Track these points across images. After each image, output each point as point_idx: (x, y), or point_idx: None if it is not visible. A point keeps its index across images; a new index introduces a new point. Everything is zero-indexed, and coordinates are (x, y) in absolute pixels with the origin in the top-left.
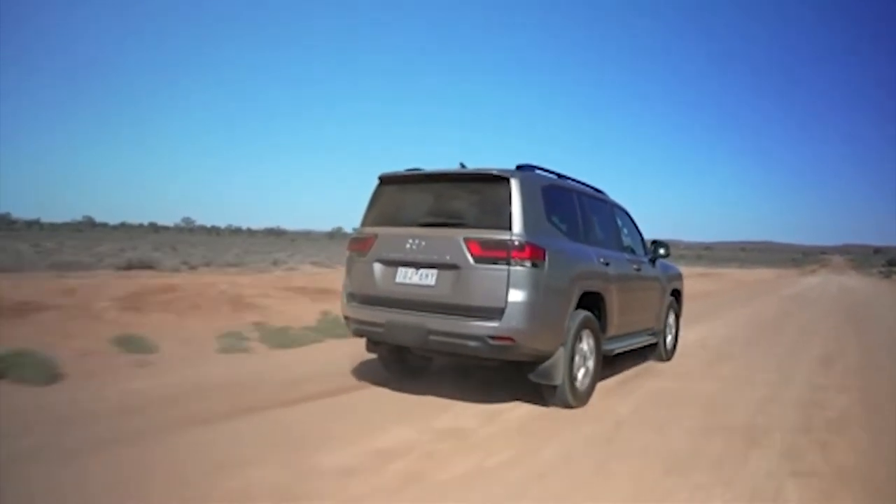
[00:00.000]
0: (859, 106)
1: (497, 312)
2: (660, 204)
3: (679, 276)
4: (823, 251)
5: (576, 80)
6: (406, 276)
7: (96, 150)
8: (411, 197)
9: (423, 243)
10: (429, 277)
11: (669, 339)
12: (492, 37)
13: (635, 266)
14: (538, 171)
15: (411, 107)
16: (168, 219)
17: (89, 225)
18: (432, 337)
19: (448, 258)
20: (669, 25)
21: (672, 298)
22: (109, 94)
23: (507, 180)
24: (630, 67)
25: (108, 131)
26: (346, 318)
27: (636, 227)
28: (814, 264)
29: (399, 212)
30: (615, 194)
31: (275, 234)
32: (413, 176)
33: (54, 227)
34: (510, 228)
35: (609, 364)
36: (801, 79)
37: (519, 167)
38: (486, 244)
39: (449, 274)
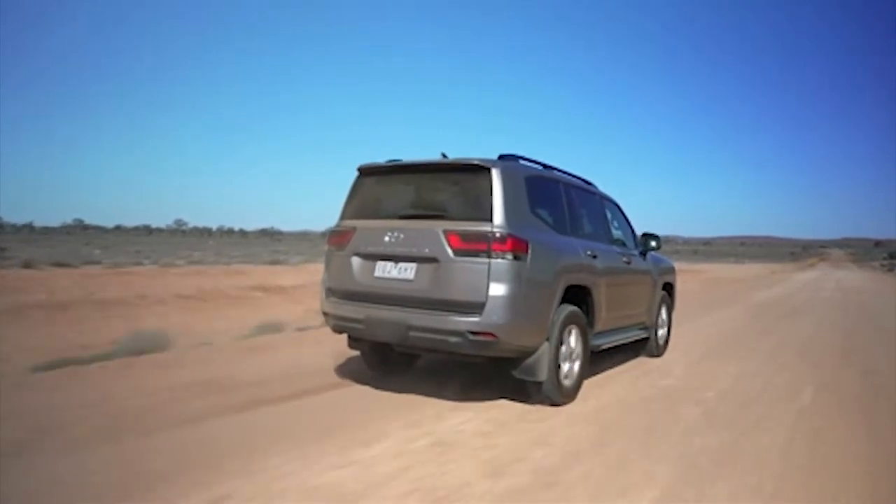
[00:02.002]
0: (859, 100)
1: (478, 307)
2: (659, 200)
3: (672, 270)
4: (823, 245)
5: (573, 76)
6: (385, 270)
7: (88, 153)
8: (391, 189)
9: (402, 236)
10: (408, 271)
11: (661, 333)
12: (492, 37)
13: (625, 259)
14: (522, 162)
15: (408, 107)
16: (163, 221)
17: (80, 228)
18: (412, 333)
19: (427, 251)
20: (664, 19)
21: (664, 292)
22: (102, 97)
23: (488, 170)
24: (627, 62)
25: (99, 134)
26: (325, 314)
27: (626, 220)
28: (813, 258)
29: (378, 204)
30: (613, 190)
31: (268, 234)
32: (392, 167)
33: (47, 231)
34: (491, 220)
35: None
36: (801, 73)
37: (501, 157)
38: (465, 236)
39: (428, 267)
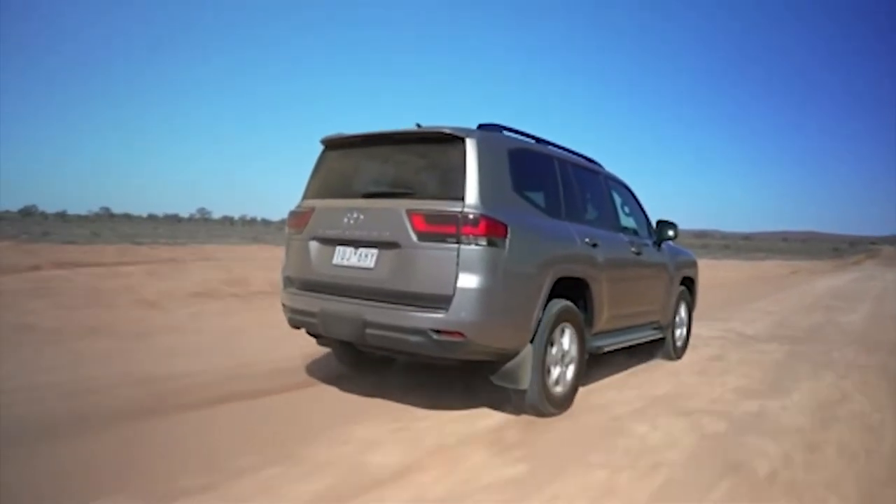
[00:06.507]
0: None
1: (443, 301)
2: (701, 193)
3: (692, 263)
4: (873, 241)
5: (610, 62)
6: (344, 256)
7: (118, 144)
8: (356, 163)
9: (362, 217)
10: (368, 258)
11: (679, 333)
12: (504, 35)
13: (634, 249)
14: (506, 133)
15: (424, 98)
16: (186, 210)
17: (107, 216)
18: (369, 330)
19: (388, 235)
20: (705, 3)
21: (683, 288)
22: (130, 91)
23: (462, 141)
24: (666, 48)
25: (130, 126)
26: (283, 305)
27: (639, 205)
28: (860, 255)
29: (342, 181)
30: (654, 184)
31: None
32: (358, 139)
33: (80, 219)
34: (463, 199)
35: None
36: (849, 61)
37: (481, 126)
38: (431, 218)
39: (389, 254)
